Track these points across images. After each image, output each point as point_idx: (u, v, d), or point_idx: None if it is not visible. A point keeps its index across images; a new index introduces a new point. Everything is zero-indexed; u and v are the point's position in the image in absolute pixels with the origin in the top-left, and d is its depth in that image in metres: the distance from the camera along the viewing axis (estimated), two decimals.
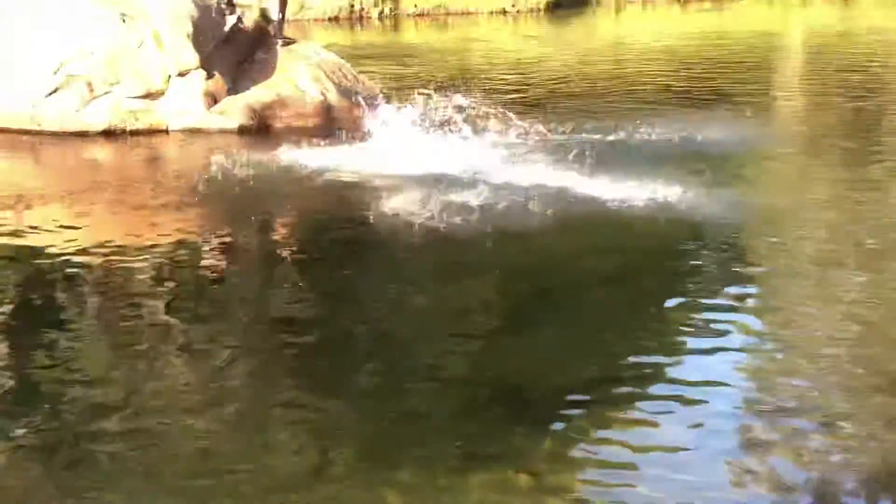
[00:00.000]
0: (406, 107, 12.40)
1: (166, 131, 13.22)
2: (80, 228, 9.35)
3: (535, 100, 15.38)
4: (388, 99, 14.95)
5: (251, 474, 5.00)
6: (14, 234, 9.21)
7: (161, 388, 5.99)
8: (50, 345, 6.64)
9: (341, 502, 4.77)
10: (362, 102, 13.47)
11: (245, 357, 6.44)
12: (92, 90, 13.21)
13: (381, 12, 27.49)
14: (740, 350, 6.39)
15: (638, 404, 5.69)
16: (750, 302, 7.23)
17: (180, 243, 8.81)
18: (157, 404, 5.77)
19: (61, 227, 9.35)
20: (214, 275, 8.13)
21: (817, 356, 6.25)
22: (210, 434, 5.44)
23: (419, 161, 11.09)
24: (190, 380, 6.15)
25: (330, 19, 27.07)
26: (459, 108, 12.82)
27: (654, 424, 5.45)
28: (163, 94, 13.35)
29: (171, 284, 7.84)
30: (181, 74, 13.37)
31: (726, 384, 5.93)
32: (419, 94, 12.52)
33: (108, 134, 13.04)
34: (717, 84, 16.43)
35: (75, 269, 8.12)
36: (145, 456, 5.18)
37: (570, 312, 7.04)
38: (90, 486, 4.93)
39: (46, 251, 8.57)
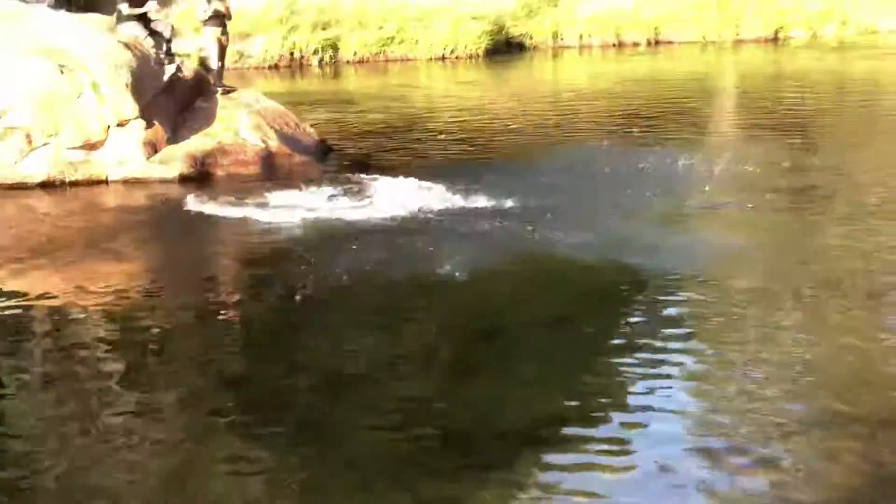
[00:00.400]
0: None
1: (106, 182, 13.13)
2: (15, 283, 9.25)
3: (472, 143, 15.48)
4: (329, 146, 15.02)
5: None
6: None
7: (103, 443, 5.93)
8: None
9: None
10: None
11: (185, 409, 6.40)
12: (30, 141, 13.11)
13: (321, 60, 27.57)
14: (684, 389, 6.47)
15: (584, 445, 5.73)
16: (692, 341, 7.31)
17: (117, 296, 8.74)
18: (99, 460, 5.70)
19: None
20: (152, 328, 8.05)
21: (759, 393, 6.34)
22: (153, 488, 5.39)
23: (361, 208, 11.12)
24: (130, 433, 6.08)
25: (270, 67, 27.10)
26: (400, 153, 12.89)
27: (601, 465, 5.49)
28: (102, 144, 13.27)
29: (107, 338, 7.77)
30: (120, 124, 13.31)
31: (672, 423, 6.00)
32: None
33: (47, 185, 12.93)
34: (653, 126, 16.65)
35: (9, 324, 8.03)
36: None
37: (514, 355, 7.07)
38: None
39: None
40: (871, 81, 22.00)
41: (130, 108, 13.34)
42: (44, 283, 9.19)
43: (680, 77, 23.80)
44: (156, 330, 7.95)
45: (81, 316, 8.18)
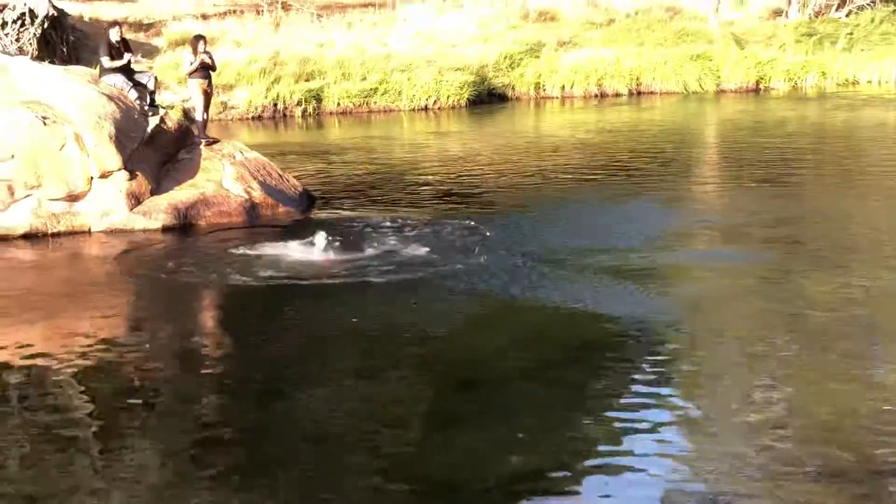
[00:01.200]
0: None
1: (89, 232, 13.10)
2: None
3: (455, 195, 15.51)
4: (313, 196, 15.04)
5: None
6: None
7: (88, 490, 5.87)
8: None
9: None
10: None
11: (166, 460, 6.34)
12: (12, 193, 13.09)
13: (305, 111, 27.67)
14: (667, 439, 6.45)
15: (568, 496, 5.69)
16: (673, 390, 7.30)
17: (98, 349, 8.67)
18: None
19: None
20: (133, 382, 7.99)
21: (743, 442, 6.32)
22: None
23: (343, 259, 11.12)
24: (110, 483, 6.02)
25: (253, 118, 27.18)
26: (383, 205, 12.86)
27: None
28: (85, 195, 13.26)
29: (88, 391, 7.69)
30: (103, 176, 13.31)
31: (655, 473, 5.97)
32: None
33: (30, 236, 12.90)
34: (635, 177, 16.73)
35: None
36: None
37: (494, 405, 7.05)
38: None
39: None
40: (849, 130, 22.20)
41: (113, 159, 13.34)
42: (25, 335, 9.13)
43: (662, 127, 23.97)
44: (136, 383, 7.89)
45: (62, 368, 8.11)
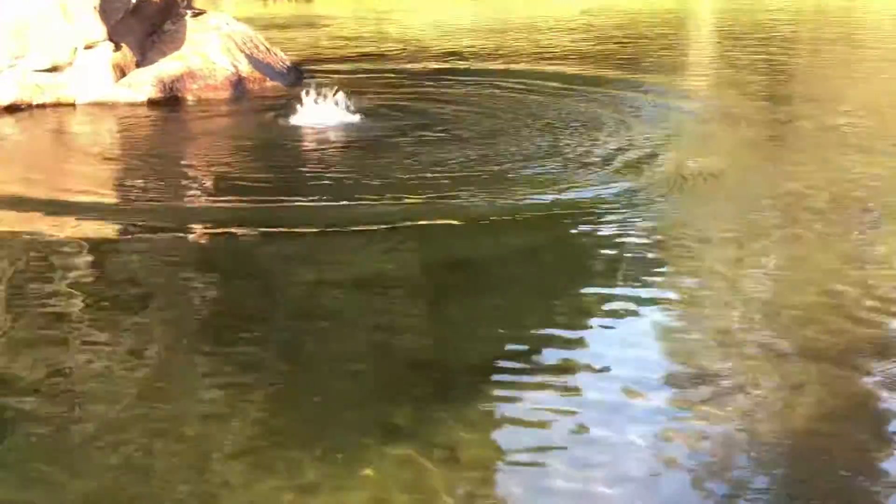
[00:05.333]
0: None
1: (73, 105, 12.95)
2: None
3: (441, 70, 15.35)
4: (301, 70, 14.87)
5: (167, 454, 4.93)
6: None
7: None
8: None
9: (253, 476, 4.73)
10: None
11: (161, 344, 6.34)
12: None
13: None
14: (653, 319, 6.44)
15: (554, 377, 5.68)
16: (663, 271, 7.28)
17: (90, 223, 8.62)
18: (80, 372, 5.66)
19: None
20: (126, 254, 7.95)
21: (728, 325, 6.32)
22: (128, 395, 5.34)
23: (326, 133, 11.05)
24: (107, 349, 6.02)
25: None
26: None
27: (571, 393, 5.47)
28: (69, 66, 13.07)
29: (80, 266, 7.66)
30: (88, 47, 13.10)
31: (641, 352, 5.98)
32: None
33: (14, 109, 12.74)
34: (633, 58, 16.53)
35: None
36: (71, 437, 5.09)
37: (485, 286, 7.03)
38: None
39: None
40: (852, 10, 21.92)
41: (98, 30, 13.11)
42: (17, 210, 9.05)
43: (662, 6, 23.62)
44: (130, 255, 7.84)
45: (53, 245, 8.05)
